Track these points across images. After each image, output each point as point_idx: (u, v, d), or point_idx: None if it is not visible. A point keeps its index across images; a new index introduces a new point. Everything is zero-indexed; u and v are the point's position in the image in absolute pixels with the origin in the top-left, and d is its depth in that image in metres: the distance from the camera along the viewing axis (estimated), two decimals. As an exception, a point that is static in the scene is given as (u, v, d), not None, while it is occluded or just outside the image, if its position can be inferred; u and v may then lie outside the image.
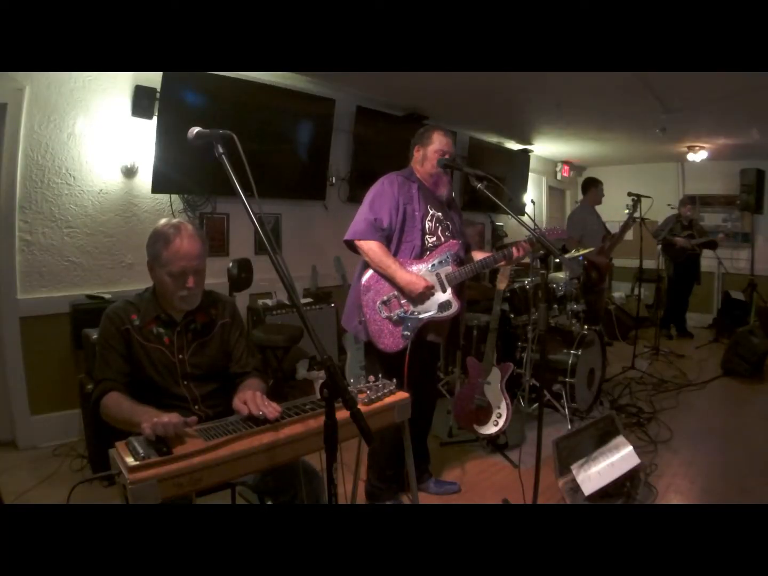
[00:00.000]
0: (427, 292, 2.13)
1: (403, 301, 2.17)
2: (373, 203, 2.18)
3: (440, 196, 2.29)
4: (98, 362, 1.54)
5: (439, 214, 2.27)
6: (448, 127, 5.33)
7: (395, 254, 2.19)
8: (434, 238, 2.24)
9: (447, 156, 2.25)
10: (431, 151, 2.25)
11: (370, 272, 2.22)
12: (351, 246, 2.22)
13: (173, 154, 3.15)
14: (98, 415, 1.47)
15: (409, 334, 2.15)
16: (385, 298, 2.18)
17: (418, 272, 2.17)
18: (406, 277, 2.11)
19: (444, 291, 2.19)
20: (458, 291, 2.24)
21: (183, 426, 1.25)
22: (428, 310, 2.17)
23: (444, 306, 2.18)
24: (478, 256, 2.38)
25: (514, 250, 2.25)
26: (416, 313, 2.16)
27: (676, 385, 4.11)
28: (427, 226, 2.23)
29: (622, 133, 5.58)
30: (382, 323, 2.17)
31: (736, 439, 3.19)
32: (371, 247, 2.14)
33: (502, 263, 2.33)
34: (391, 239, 2.19)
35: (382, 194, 2.19)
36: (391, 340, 2.16)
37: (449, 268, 2.20)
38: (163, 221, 1.58)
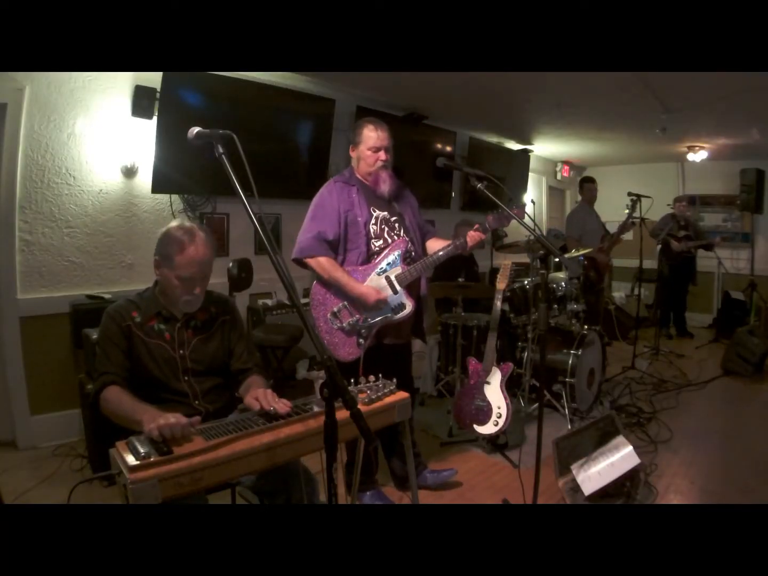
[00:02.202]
0: (380, 305, 2.10)
1: (353, 310, 2.15)
2: (315, 216, 2.16)
3: (382, 194, 2.22)
4: (99, 357, 1.56)
5: (384, 213, 2.22)
6: (448, 127, 5.36)
7: (342, 262, 2.17)
8: (380, 241, 2.20)
9: (382, 151, 2.17)
10: (363, 149, 2.19)
11: (316, 285, 2.20)
12: (300, 263, 2.19)
13: (173, 154, 3.15)
14: (98, 411, 1.48)
15: (363, 341, 2.13)
16: (335, 309, 2.16)
17: (366, 276, 2.15)
18: (357, 290, 2.09)
19: (396, 293, 2.15)
20: (412, 290, 2.21)
21: (188, 427, 1.25)
22: (381, 315, 2.14)
23: (398, 308, 2.16)
24: (433, 246, 2.32)
25: (468, 239, 2.18)
26: (368, 320, 2.13)
27: (676, 385, 4.11)
28: (371, 230, 2.18)
29: (622, 133, 5.57)
30: (336, 334, 2.16)
31: (736, 439, 3.18)
32: (320, 263, 2.12)
33: (458, 253, 2.24)
34: (337, 249, 2.16)
35: (323, 205, 2.17)
36: (347, 350, 2.15)
37: (399, 269, 2.17)
38: (175, 224, 1.60)
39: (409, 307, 2.16)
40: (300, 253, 2.16)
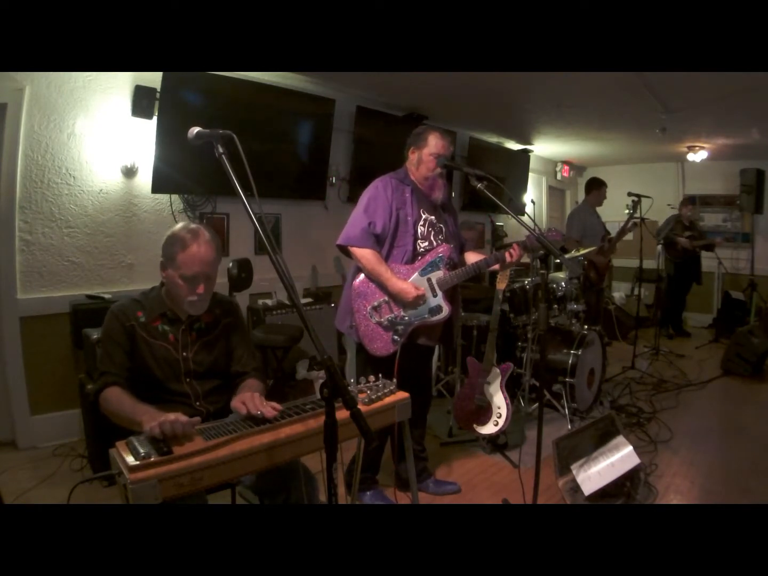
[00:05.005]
0: (419, 301, 2.14)
1: (393, 306, 2.17)
2: (368, 207, 2.18)
3: (435, 200, 2.27)
4: (100, 356, 1.56)
5: (432, 217, 2.27)
6: (448, 127, 5.36)
7: (386, 258, 2.19)
8: (426, 243, 2.24)
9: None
10: (426, 153, 2.22)
11: (361, 277, 2.22)
12: (344, 250, 2.22)
13: (173, 154, 3.15)
14: (98, 411, 1.48)
15: (399, 338, 2.16)
16: (375, 303, 2.18)
17: (408, 276, 2.18)
18: (398, 285, 2.12)
19: (435, 295, 2.19)
20: (450, 295, 2.25)
21: (188, 425, 1.25)
22: (419, 315, 2.18)
23: (435, 310, 2.19)
24: (471, 258, 2.37)
25: (507, 254, 2.24)
26: (406, 318, 2.17)
27: (676, 385, 4.11)
28: (419, 231, 2.22)
29: (622, 133, 5.57)
30: (373, 328, 2.18)
31: (736, 439, 3.19)
32: (364, 255, 2.15)
33: (495, 267, 2.33)
34: (383, 243, 2.19)
35: (377, 198, 2.19)
36: (381, 344, 2.17)
37: (440, 273, 2.20)
38: (180, 225, 1.60)
39: (446, 310, 2.20)
40: (346, 241, 2.18)
